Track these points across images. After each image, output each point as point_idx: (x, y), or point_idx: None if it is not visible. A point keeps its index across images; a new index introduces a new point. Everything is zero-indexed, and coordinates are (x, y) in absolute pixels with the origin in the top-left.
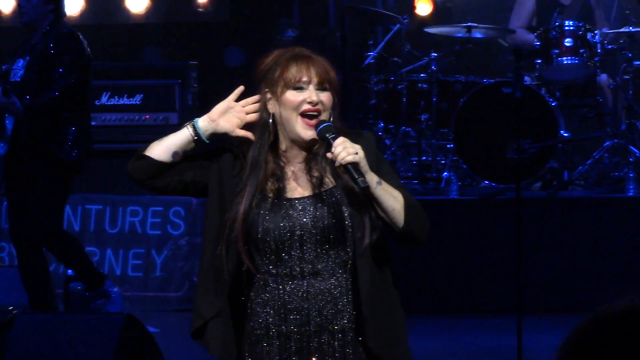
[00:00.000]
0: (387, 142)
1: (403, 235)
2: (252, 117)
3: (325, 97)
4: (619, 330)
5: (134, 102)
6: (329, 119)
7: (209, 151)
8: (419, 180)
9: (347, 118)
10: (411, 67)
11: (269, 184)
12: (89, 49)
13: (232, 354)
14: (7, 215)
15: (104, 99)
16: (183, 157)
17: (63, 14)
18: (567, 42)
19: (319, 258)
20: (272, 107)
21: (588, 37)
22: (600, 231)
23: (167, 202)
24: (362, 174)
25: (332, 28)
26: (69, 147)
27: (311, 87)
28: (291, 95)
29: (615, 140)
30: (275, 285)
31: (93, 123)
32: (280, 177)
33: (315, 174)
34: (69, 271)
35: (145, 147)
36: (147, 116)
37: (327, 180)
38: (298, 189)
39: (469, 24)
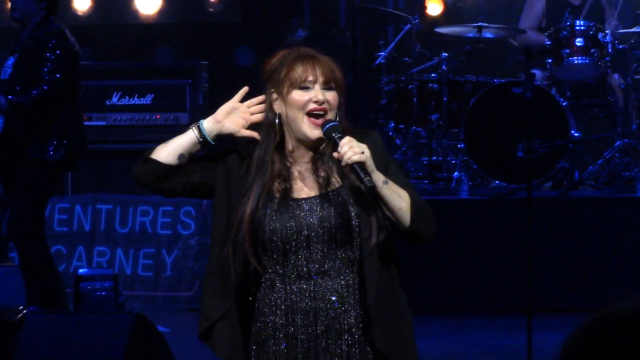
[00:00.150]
0: (398, 142)
1: (409, 234)
2: (257, 117)
3: (331, 96)
4: (621, 332)
5: (145, 102)
6: (335, 118)
7: (215, 153)
8: (429, 180)
9: (357, 118)
10: (422, 67)
11: (276, 184)
12: (77, 47)
13: (239, 355)
14: None
15: (114, 99)
16: (189, 159)
17: (55, 11)
18: (578, 41)
19: (326, 258)
20: (278, 107)
21: (599, 37)
22: (610, 231)
23: (178, 202)
24: (368, 174)
25: (342, 28)
26: (53, 147)
27: (317, 86)
28: (297, 95)
29: (626, 140)
30: (282, 286)
31: (103, 123)
32: (286, 178)
33: (322, 174)
34: (79, 271)
35: (151, 150)
36: (158, 116)
37: (333, 180)
38: (305, 189)
39: (480, 23)
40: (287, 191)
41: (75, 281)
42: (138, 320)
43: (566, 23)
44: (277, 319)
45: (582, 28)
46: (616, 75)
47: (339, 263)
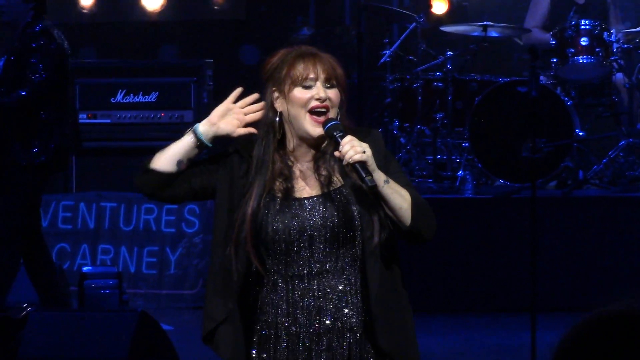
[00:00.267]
0: (403, 140)
1: (410, 233)
2: (252, 117)
3: (333, 93)
4: (614, 332)
5: (150, 100)
6: (337, 116)
7: (214, 155)
8: (434, 179)
9: (362, 116)
10: (427, 66)
11: (277, 183)
12: (65, 45)
13: (241, 356)
14: None
15: (119, 97)
16: (188, 164)
17: (44, 10)
18: (583, 41)
19: (329, 257)
20: (279, 105)
21: (604, 36)
22: (615, 230)
23: None
24: (369, 173)
25: (347, 26)
26: (37, 150)
27: (318, 84)
28: (299, 93)
29: (631, 140)
30: (284, 286)
31: (108, 121)
32: (287, 177)
33: (324, 172)
34: (83, 268)
35: (150, 160)
36: (163, 114)
37: (335, 179)
38: (306, 188)
39: (485, 22)
40: (289, 191)
41: (80, 279)
42: (142, 318)
43: (571, 22)
44: (279, 319)
45: (587, 27)
46: (620, 75)
47: (341, 262)
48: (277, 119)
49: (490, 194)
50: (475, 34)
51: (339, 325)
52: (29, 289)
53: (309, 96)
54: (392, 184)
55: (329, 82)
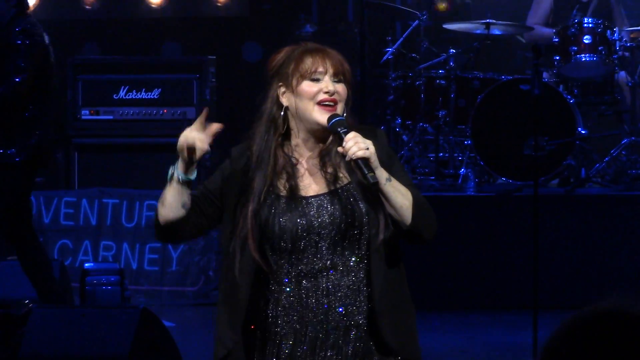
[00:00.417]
0: (405, 138)
1: (410, 232)
2: (216, 126)
3: (341, 88)
4: (600, 331)
5: (152, 97)
6: (343, 112)
7: (213, 176)
8: (436, 177)
9: (365, 114)
10: (429, 64)
11: (282, 181)
12: (47, 41)
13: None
14: None
15: (122, 93)
16: (192, 198)
17: (26, 7)
18: (586, 39)
19: (335, 255)
20: (285, 100)
21: (607, 35)
22: (617, 229)
23: None
24: (372, 170)
25: (350, 24)
26: (16, 148)
27: (327, 77)
28: (307, 86)
29: (633, 138)
30: (290, 283)
31: (110, 117)
32: (292, 174)
33: (329, 169)
34: (85, 265)
35: (157, 216)
36: (165, 110)
37: (341, 175)
38: (312, 185)
39: (488, 20)
40: (294, 188)
41: (81, 275)
42: (143, 314)
43: (574, 20)
44: (285, 317)
45: (590, 25)
46: (623, 73)
47: (347, 260)
48: (282, 113)
49: (493, 192)
50: (478, 31)
51: (345, 322)
52: (30, 286)
53: (317, 89)
54: (394, 182)
55: (337, 77)
